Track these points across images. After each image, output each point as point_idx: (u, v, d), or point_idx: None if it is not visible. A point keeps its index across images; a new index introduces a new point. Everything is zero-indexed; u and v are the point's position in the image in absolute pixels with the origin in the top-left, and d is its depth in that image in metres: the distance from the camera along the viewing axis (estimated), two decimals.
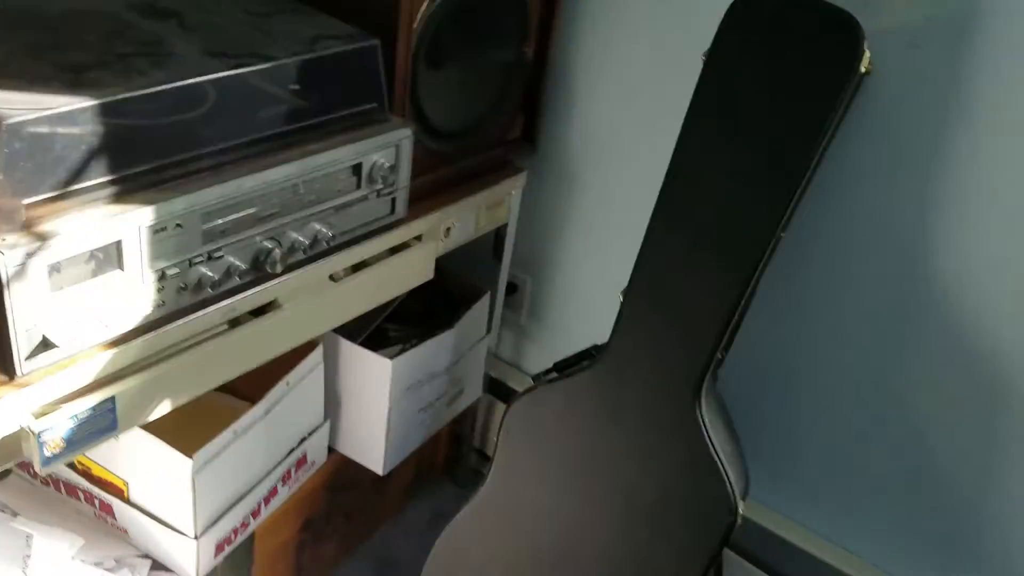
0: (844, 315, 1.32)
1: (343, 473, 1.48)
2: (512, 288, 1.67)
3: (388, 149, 1.09)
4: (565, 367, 1.28)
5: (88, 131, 0.86)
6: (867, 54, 1.03)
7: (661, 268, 1.16)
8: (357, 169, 1.07)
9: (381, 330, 1.40)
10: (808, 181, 1.09)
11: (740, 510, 1.16)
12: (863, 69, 1.04)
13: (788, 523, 1.50)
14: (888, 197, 1.22)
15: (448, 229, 1.31)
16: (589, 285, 1.60)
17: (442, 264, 1.40)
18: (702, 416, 1.17)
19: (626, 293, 1.20)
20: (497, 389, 1.74)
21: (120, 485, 1.19)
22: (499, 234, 1.50)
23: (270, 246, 1.02)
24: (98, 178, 0.88)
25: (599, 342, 1.24)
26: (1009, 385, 1.20)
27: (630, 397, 1.20)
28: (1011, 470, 1.25)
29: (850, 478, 1.41)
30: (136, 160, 0.92)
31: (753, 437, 1.39)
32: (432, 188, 1.26)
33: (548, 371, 1.28)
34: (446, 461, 1.81)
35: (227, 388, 1.25)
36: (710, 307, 1.14)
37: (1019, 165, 1.11)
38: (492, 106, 1.32)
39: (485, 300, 1.53)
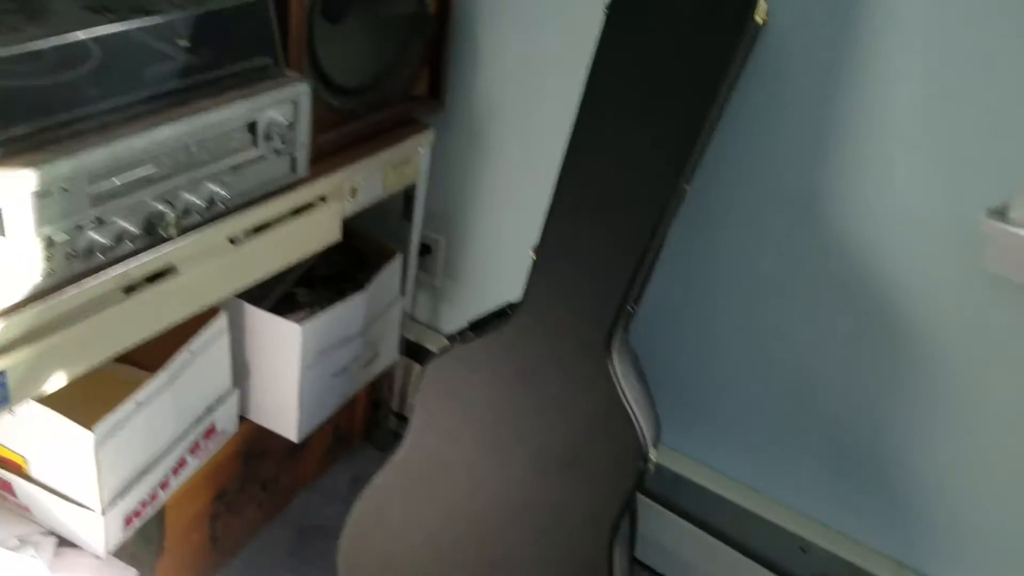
0: (747, 265, 1.35)
1: (256, 441, 1.45)
2: (426, 249, 1.66)
3: (284, 106, 1.06)
4: (479, 326, 1.28)
5: None
6: (763, 5, 1.05)
7: (570, 224, 1.17)
8: (252, 127, 1.04)
9: (290, 295, 1.38)
10: (709, 132, 1.10)
11: (651, 457, 1.18)
12: (759, 20, 1.05)
13: (700, 467, 1.54)
14: (785, 145, 1.24)
15: (354, 189, 1.29)
16: (504, 243, 1.60)
17: (351, 226, 1.38)
18: (614, 368, 1.18)
19: (537, 250, 1.20)
20: (414, 352, 1.73)
21: (19, 461, 1.15)
22: (409, 194, 1.48)
23: (163, 209, 0.99)
24: None
25: (515, 300, 1.24)
26: (895, 326, 1.25)
27: (544, 352, 1.21)
28: (897, 407, 1.30)
29: (755, 421, 1.46)
30: (15, 121, 0.87)
31: (665, 387, 1.41)
32: (335, 146, 1.23)
33: (463, 331, 1.28)
34: (365, 426, 1.80)
35: (129, 359, 1.21)
36: (618, 260, 1.15)
37: (909, 112, 1.14)
38: (394, 61, 1.29)
39: (397, 262, 1.51)
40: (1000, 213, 1.13)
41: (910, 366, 1.27)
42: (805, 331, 1.34)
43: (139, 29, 0.95)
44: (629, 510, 1.32)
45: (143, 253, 1.00)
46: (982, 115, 1.10)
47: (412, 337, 1.73)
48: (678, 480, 1.53)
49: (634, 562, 1.51)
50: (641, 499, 1.54)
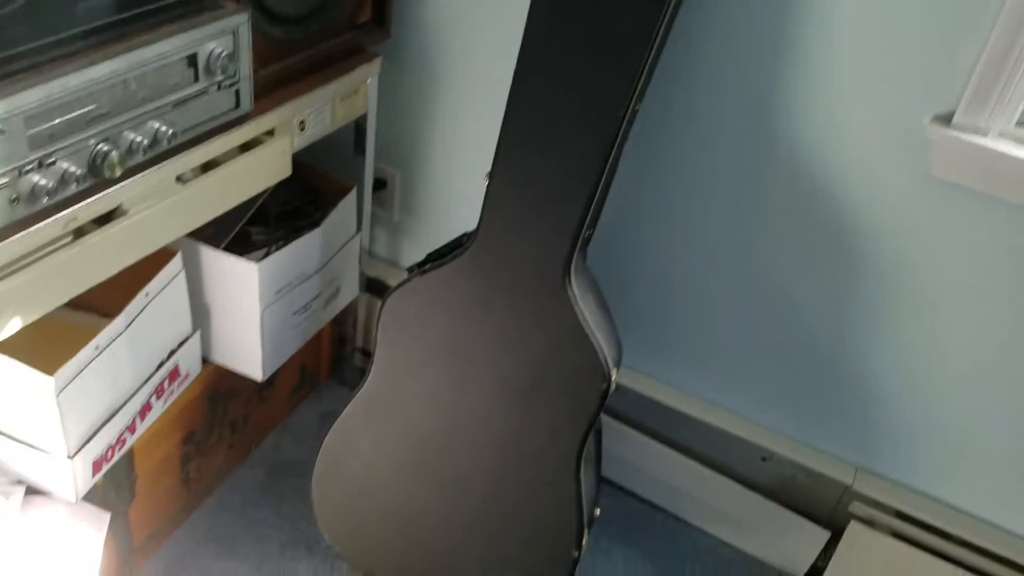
0: (699, 182, 1.35)
1: (222, 383, 1.46)
2: (381, 183, 1.65)
3: (224, 37, 1.03)
4: (437, 257, 1.27)
5: None
6: None
7: (522, 148, 1.16)
8: (192, 60, 1.02)
9: (244, 234, 1.36)
10: (659, 48, 1.10)
11: (613, 377, 1.20)
12: None
13: (661, 385, 1.57)
14: (734, 59, 1.24)
15: (302, 122, 1.27)
16: (460, 174, 1.59)
17: (303, 161, 1.36)
18: (573, 292, 1.19)
19: (490, 176, 1.19)
20: (376, 288, 1.73)
21: None
22: (360, 126, 1.46)
23: (106, 148, 0.97)
24: None
25: (472, 230, 1.24)
26: (847, 236, 1.27)
27: (502, 279, 1.21)
28: (850, 316, 1.33)
29: (713, 337, 1.49)
30: None
31: (624, 308, 1.43)
32: (280, 79, 1.21)
33: (421, 263, 1.28)
34: (331, 363, 1.81)
35: (87, 306, 1.20)
36: (572, 184, 1.15)
37: (853, 21, 1.15)
38: None
39: (352, 197, 1.50)
40: (945, 119, 1.14)
41: (862, 274, 1.30)
42: (758, 245, 1.36)
43: None
44: (594, 431, 1.34)
45: (89, 195, 0.99)
46: (925, 22, 1.10)
47: (373, 273, 1.73)
48: (641, 399, 1.57)
49: (601, 480, 1.55)
50: (605, 418, 1.57)
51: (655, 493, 1.64)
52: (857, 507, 1.46)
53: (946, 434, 1.37)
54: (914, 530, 1.42)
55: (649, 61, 1.08)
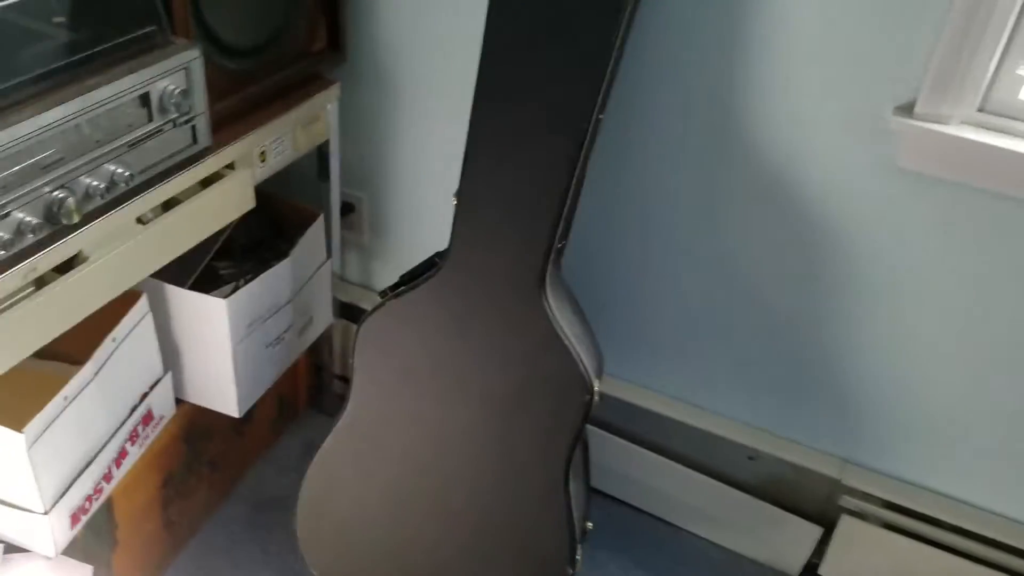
0: (668, 185, 1.35)
1: (198, 422, 1.43)
2: (348, 208, 1.63)
3: (176, 74, 1.01)
4: (410, 279, 1.26)
5: None
6: None
7: (489, 164, 1.15)
8: (145, 99, 1.00)
9: (211, 269, 1.34)
10: (618, 56, 1.09)
11: (596, 388, 1.19)
12: None
13: (644, 392, 1.56)
14: (694, 61, 1.24)
15: (263, 153, 1.25)
16: (428, 193, 1.57)
17: (267, 192, 1.34)
18: (548, 304, 1.18)
19: (458, 195, 1.18)
20: (350, 312, 1.71)
21: None
22: (323, 152, 1.44)
23: (62, 195, 0.94)
24: None
25: (444, 249, 1.23)
26: (816, 230, 1.28)
27: (477, 296, 1.20)
28: (826, 311, 1.34)
29: (692, 339, 1.48)
30: None
31: (602, 318, 1.42)
32: (238, 111, 1.19)
33: (395, 285, 1.26)
34: (309, 392, 1.78)
35: (54, 354, 1.17)
36: (541, 197, 1.14)
37: (809, 15, 1.15)
38: (287, 14, 1.24)
39: (320, 223, 1.48)
40: (907, 109, 1.14)
41: (834, 268, 1.30)
42: (730, 244, 1.36)
43: (7, 7, 0.89)
44: (581, 442, 1.33)
45: (48, 244, 0.96)
46: (882, 8, 1.10)
47: (347, 298, 1.71)
48: (623, 405, 1.56)
49: (591, 491, 1.53)
50: (591, 429, 1.56)
51: (645, 500, 1.63)
52: (847, 501, 1.46)
53: (930, 422, 1.37)
54: (905, 520, 1.42)
55: (611, 68, 1.08)
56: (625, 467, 1.61)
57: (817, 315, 1.36)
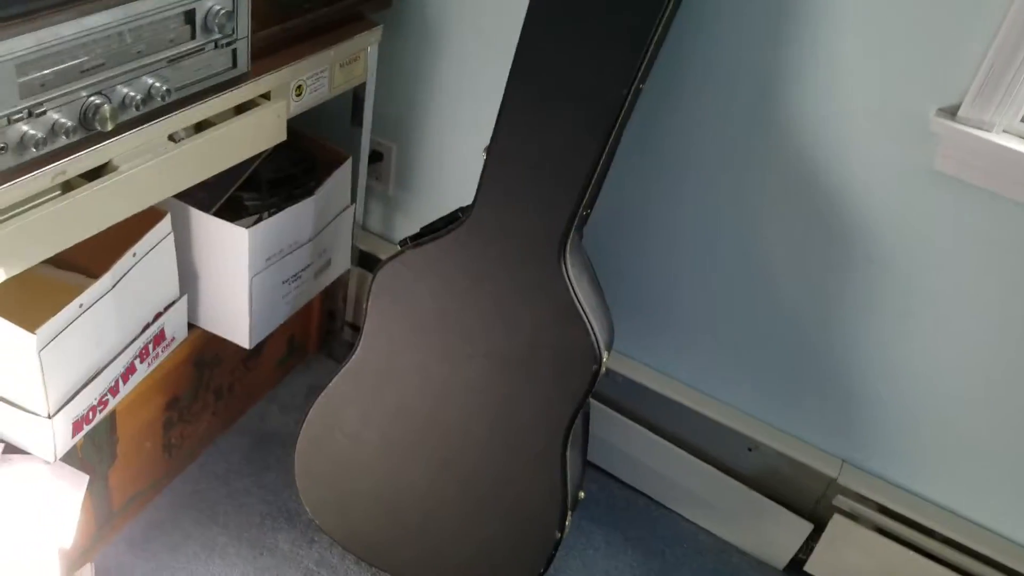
0: (702, 172, 1.34)
1: (208, 349, 1.44)
2: (377, 156, 1.63)
3: None
4: (431, 231, 1.26)
5: None
6: None
7: (523, 122, 1.14)
8: (190, 16, 1.00)
9: (236, 199, 1.35)
10: (665, 28, 1.08)
11: (604, 359, 1.19)
12: None
13: (651, 372, 1.56)
14: (738, 46, 1.22)
15: (299, 87, 1.25)
16: (457, 148, 1.57)
17: (299, 128, 1.34)
18: (567, 272, 1.18)
19: (488, 150, 1.18)
20: (367, 262, 1.72)
21: None
22: (357, 96, 1.44)
23: (98, 101, 0.95)
24: None
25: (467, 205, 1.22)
26: (845, 228, 1.26)
27: (495, 255, 1.20)
28: (845, 309, 1.33)
29: (706, 326, 1.48)
30: None
31: (618, 293, 1.42)
32: (278, 42, 1.19)
33: (415, 235, 1.27)
34: (320, 337, 1.79)
35: (74, 266, 1.18)
36: (572, 163, 1.13)
37: (861, 8, 1.13)
38: None
39: (347, 166, 1.48)
40: (950, 112, 1.13)
41: (859, 267, 1.29)
42: (756, 236, 1.35)
43: None
44: (582, 413, 1.33)
45: (80, 149, 0.97)
46: (935, 11, 1.09)
47: (365, 247, 1.71)
48: (630, 384, 1.56)
49: (587, 464, 1.54)
50: (593, 403, 1.57)
51: (639, 479, 1.64)
52: (841, 500, 1.45)
53: (934, 431, 1.37)
54: (897, 526, 1.42)
55: (656, 37, 1.07)
56: (624, 444, 1.61)
57: (835, 315, 1.35)
